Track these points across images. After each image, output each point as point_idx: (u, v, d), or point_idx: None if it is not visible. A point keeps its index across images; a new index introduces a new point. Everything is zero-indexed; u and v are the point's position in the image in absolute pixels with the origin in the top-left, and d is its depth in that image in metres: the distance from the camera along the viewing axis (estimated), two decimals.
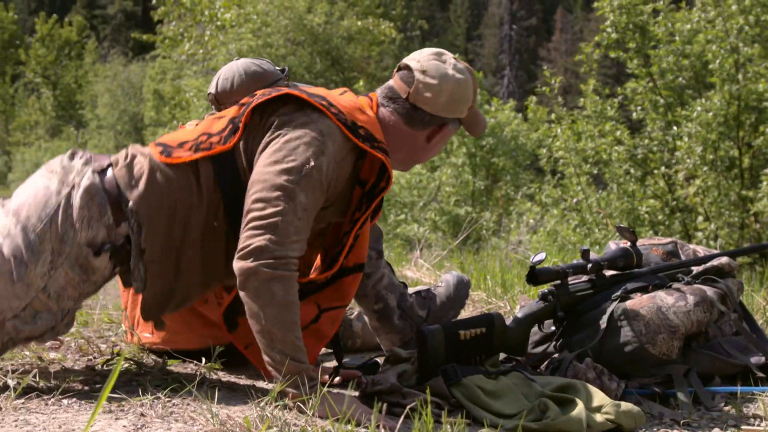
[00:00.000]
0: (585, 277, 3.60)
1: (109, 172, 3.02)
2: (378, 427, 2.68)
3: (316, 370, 3.26)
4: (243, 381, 3.48)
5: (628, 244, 3.64)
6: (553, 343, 3.51)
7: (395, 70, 3.32)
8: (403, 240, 12.80)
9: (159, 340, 3.63)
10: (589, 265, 3.52)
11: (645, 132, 13.44)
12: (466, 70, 3.27)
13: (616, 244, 3.81)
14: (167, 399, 2.82)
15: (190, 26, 23.62)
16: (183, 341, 3.62)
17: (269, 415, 2.64)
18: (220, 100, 3.89)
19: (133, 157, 3.08)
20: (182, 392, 2.89)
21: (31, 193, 2.99)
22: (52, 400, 2.74)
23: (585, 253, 3.56)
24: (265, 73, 3.89)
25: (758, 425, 2.99)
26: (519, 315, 3.45)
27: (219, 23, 21.64)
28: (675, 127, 12.82)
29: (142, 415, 2.67)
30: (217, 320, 3.59)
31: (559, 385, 3.05)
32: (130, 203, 2.97)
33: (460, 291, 4.06)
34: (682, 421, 3.02)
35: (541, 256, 3.41)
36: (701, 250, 3.85)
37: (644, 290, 3.50)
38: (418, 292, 4.01)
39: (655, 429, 2.97)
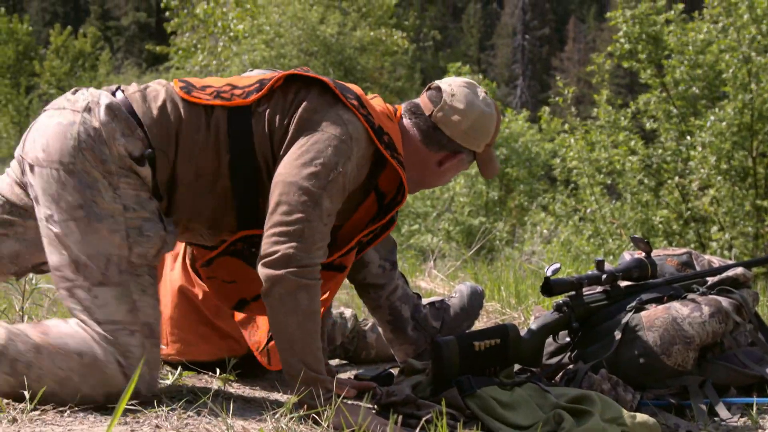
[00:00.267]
0: (600, 288, 3.59)
1: (119, 94, 2.98)
2: None
3: (332, 382, 3.27)
4: (258, 393, 3.48)
5: (643, 254, 3.63)
6: (568, 354, 3.51)
7: (425, 89, 3.35)
8: (416, 250, 12.79)
9: (174, 352, 3.63)
10: (604, 276, 3.51)
11: (658, 142, 13.42)
12: (494, 106, 3.31)
13: (630, 255, 3.80)
14: (182, 411, 2.81)
15: (204, 37, 23.69)
16: (198, 353, 3.62)
17: (285, 427, 2.64)
18: None
19: (148, 86, 3.05)
20: (197, 404, 2.88)
21: (46, 134, 2.91)
22: (68, 412, 2.73)
23: (600, 264, 3.56)
24: None
25: None
26: (533, 326, 3.44)
27: (232, 34, 21.71)
28: (688, 137, 12.79)
29: (157, 427, 2.67)
30: (232, 330, 3.60)
31: (574, 397, 3.05)
32: (144, 125, 2.93)
33: (475, 302, 4.05)
34: None
35: (556, 267, 3.41)
36: (716, 261, 3.84)
37: (659, 301, 3.49)
38: (432, 303, 4.01)
39: None
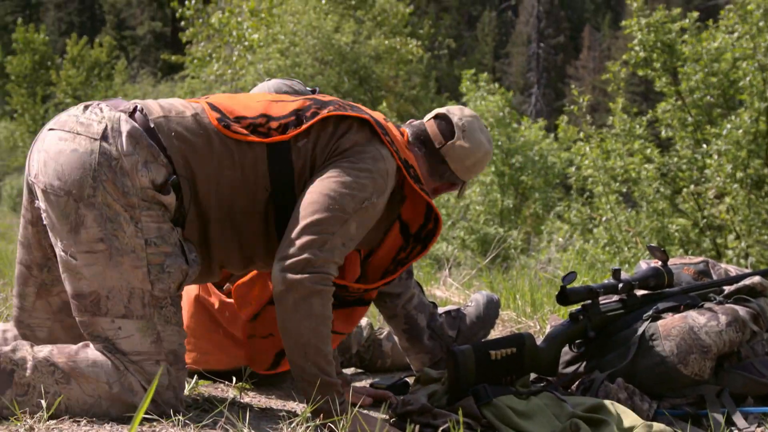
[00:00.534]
0: (616, 297, 3.59)
1: (139, 116, 2.88)
2: None
3: (347, 389, 3.26)
4: (274, 402, 3.48)
5: (659, 263, 3.63)
6: (584, 363, 3.50)
7: (432, 116, 3.41)
8: (431, 259, 12.78)
9: (190, 361, 3.63)
10: (620, 285, 3.51)
11: (674, 150, 13.39)
12: (492, 142, 3.47)
13: (647, 264, 3.79)
14: (198, 420, 2.82)
15: (219, 47, 23.73)
16: (214, 361, 3.62)
17: None
18: None
19: (172, 108, 2.96)
20: (214, 413, 2.89)
21: (60, 161, 2.79)
22: (84, 421, 2.74)
23: (616, 273, 3.55)
24: (296, 94, 3.90)
25: None
26: (550, 335, 3.44)
27: (247, 44, 21.74)
28: (704, 146, 12.75)
29: None
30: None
31: (590, 406, 3.04)
32: (168, 151, 2.86)
33: (490, 311, 4.05)
34: None
35: (572, 276, 3.40)
36: (733, 270, 3.83)
37: (676, 310, 3.48)
38: (447, 312, 4.01)
39: None
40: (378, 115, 3.22)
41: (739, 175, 12.28)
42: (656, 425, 2.89)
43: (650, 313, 3.44)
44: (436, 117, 3.39)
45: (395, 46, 21.47)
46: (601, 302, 3.54)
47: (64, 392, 2.73)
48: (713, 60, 12.84)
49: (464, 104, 16.26)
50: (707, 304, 3.48)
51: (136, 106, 2.91)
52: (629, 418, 2.95)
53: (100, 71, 41.97)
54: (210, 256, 3.03)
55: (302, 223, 2.89)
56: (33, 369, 2.73)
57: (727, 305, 3.45)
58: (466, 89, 16.35)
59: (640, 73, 13.47)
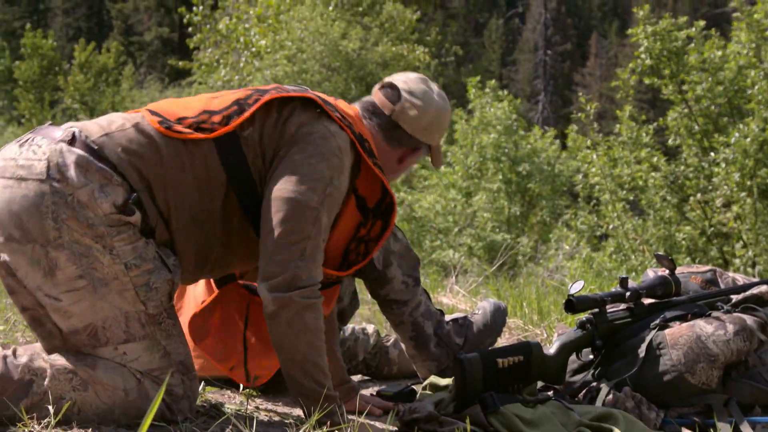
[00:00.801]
0: (623, 306, 3.58)
1: (80, 139, 2.77)
2: None
3: (355, 397, 3.27)
4: (281, 408, 3.48)
5: (667, 272, 3.62)
6: (592, 371, 3.49)
7: (377, 87, 3.33)
8: (438, 266, 12.79)
9: (197, 367, 3.63)
10: (628, 294, 3.51)
11: (681, 158, 13.38)
12: (447, 100, 3.36)
13: (654, 272, 3.79)
14: (205, 427, 2.82)
15: (226, 53, 23.78)
16: (222, 368, 3.62)
17: None
18: None
19: (112, 122, 2.86)
20: (221, 420, 2.89)
21: (12, 210, 2.68)
22: (91, 428, 2.74)
23: (623, 282, 3.55)
24: None
25: None
26: (557, 343, 3.44)
27: (254, 50, 21.79)
28: (712, 154, 12.75)
29: None
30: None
31: (597, 414, 3.04)
32: (120, 169, 2.77)
33: (498, 318, 4.05)
34: None
35: (579, 285, 3.40)
36: (740, 279, 3.82)
37: (683, 319, 3.47)
38: (455, 320, 4.00)
39: None
40: (328, 97, 3.17)
41: (747, 183, 12.27)
42: None
43: (657, 321, 3.44)
44: (382, 86, 3.30)
45: (402, 52, 21.48)
46: (609, 311, 3.53)
47: (79, 399, 2.72)
48: (718, 68, 12.84)
49: (471, 112, 16.27)
50: (715, 313, 3.48)
51: (74, 132, 2.80)
52: (636, 427, 2.95)
53: (108, 77, 42.03)
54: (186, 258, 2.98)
55: (276, 236, 2.85)
56: (51, 377, 2.71)
57: (735, 314, 3.45)
58: (473, 96, 16.36)
59: (647, 81, 13.47)
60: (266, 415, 3.27)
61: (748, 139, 12.08)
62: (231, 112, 2.95)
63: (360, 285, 4.02)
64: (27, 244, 2.68)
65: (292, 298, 2.81)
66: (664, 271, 3.65)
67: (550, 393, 3.34)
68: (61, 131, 2.81)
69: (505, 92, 17.18)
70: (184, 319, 3.36)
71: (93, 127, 2.84)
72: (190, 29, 25.72)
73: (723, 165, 12.38)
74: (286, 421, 3.05)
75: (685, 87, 13.04)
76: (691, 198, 12.88)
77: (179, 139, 2.86)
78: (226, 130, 2.90)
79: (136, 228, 2.78)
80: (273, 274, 2.83)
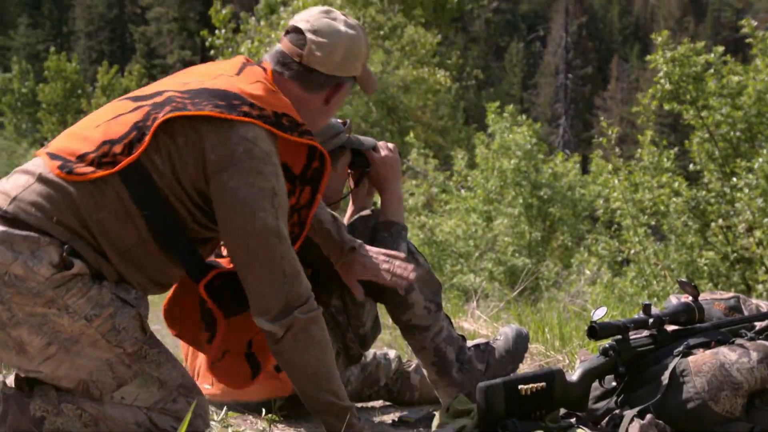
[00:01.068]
0: (646, 332, 3.57)
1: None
2: None
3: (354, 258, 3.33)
4: None
5: (690, 298, 3.61)
6: (614, 398, 3.48)
7: (283, 33, 3.18)
8: (459, 290, 12.76)
9: (219, 392, 3.64)
10: (651, 320, 3.49)
11: (702, 183, 13.35)
12: (357, 26, 3.19)
13: (677, 299, 3.77)
14: None
15: None
16: (244, 393, 3.62)
17: None
18: None
19: (18, 182, 2.78)
20: None
21: None
22: None
23: (646, 308, 3.54)
24: (327, 127, 3.91)
25: None
26: (579, 370, 3.42)
27: None
28: (734, 179, 12.71)
29: None
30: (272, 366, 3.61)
31: None
32: (43, 229, 2.70)
33: (520, 345, 4.04)
34: None
35: (602, 311, 3.39)
36: (764, 305, 3.81)
37: (707, 346, 3.46)
38: (476, 345, 3.99)
39: None
40: (224, 83, 2.95)
41: None
42: None
43: (681, 348, 3.42)
44: (287, 32, 3.15)
45: (423, 76, 21.53)
46: (632, 337, 3.52)
47: None
48: (737, 94, 12.81)
49: (491, 136, 16.28)
50: (738, 341, 3.46)
51: None
52: None
53: None
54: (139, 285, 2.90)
55: (253, 273, 2.81)
56: (61, 413, 2.73)
57: (759, 341, 3.43)
58: (492, 121, 16.38)
59: (667, 107, 13.44)
60: None
61: None
62: (132, 138, 2.79)
63: (381, 310, 4.02)
64: None
65: (294, 317, 2.80)
66: (687, 298, 3.64)
67: (573, 420, 3.33)
68: None
69: (524, 117, 17.17)
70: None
71: (10, 202, 2.73)
72: (212, 52, 25.82)
73: (746, 190, 12.33)
74: None
75: (704, 113, 13.01)
76: (713, 223, 12.83)
77: (86, 181, 2.75)
78: (129, 160, 2.76)
79: (84, 276, 2.73)
80: (267, 309, 2.81)
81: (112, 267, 2.81)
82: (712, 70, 13.09)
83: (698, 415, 3.25)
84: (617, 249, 14.02)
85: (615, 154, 13.91)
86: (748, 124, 12.89)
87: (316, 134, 3.17)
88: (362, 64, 3.21)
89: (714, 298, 3.83)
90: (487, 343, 4.01)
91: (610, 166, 14.09)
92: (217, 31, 25.24)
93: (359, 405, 4.08)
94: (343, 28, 3.11)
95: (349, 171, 4.01)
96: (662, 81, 13.24)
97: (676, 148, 13.75)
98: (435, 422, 3.41)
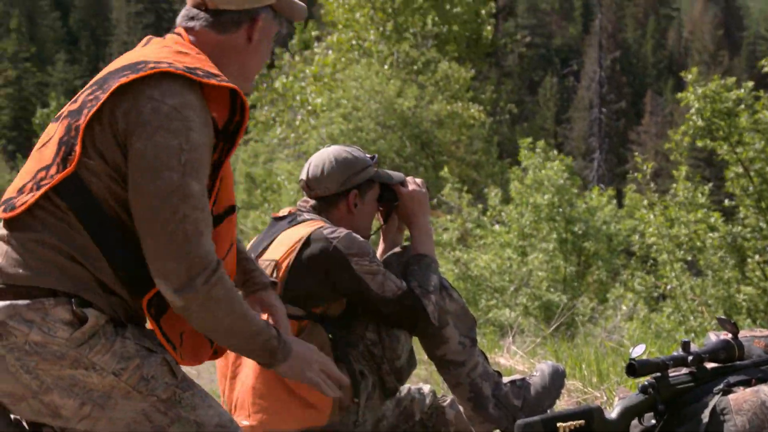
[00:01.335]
0: (686, 370, 3.54)
1: None
2: None
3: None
4: None
5: (729, 336, 3.58)
6: None
7: None
8: (495, 326, 12.72)
9: (256, 423, 3.64)
10: (690, 358, 3.46)
11: (738, 218, 13.27)
12: None
13: (716, 336, 3.74)
14: None
15: (282, 111, 24.05)
16: (280, 422, 3.62)
17: None
18: (311, 186, 3.94)
19: None
20: None
21: None
22: None
23: (685, 345, 3.51)
24: (355, 160, 3.92)
25: None
26: (619, 407, 3.40)
27: (310, 108, 22.00)
28: None
29: None
30: (313, 399, 3.60)
31: None
32: (45, 286, 2.65)
33: (556, 381, 4.02)
34: None
35: (640, 348, 3.37)
36: None
37: (747, 384, 3.42)
38: (512, 381, 3.99)
39: None
40: (128, 58, 2.86)
41: None
42: None
43: (721, 386, 3.39)
44: None
45: (457, 111, 21.57)
46: (671, 375, 3.49)
47: None
48: None
49: (525, 170, 16.26)
50: None
51: None
52: None
53: None
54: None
55: (153, 233, 2.65)
56: None
57: None
58: (524, 157, 16.37)
59: (700, 143, 13.38)
60: None
61: None
62: (62, 155, 2.72)
63: (417, 344, 4.01)
64: (20, 402, 2.67)
65: (196, 290, 2.64)
66: (726, 335, 3.61)
67: None
68: None
69: (555, 152, 17.15)
70: None
71: None
72: None
73: None
74: None
75: (739, 149, 12.95)
76: (749, 259, 12.73)
77: (30, 210, 2.70)
78: (64, 174, 2.68)
79: (104, 328, 2.70)
80: (167, 271, 2.64)
81: (122, 300, 2.78)
82: (742, 106, 13.03)
83: None
84: (653, 284, 13.93)
85: (650, 190, 13.86)
86: None
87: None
88: None
89: (754, 335, 3.80)
90: (524, 379, 4.00)
91: (645, 201, 14.03)
92: None
93: None
94: None
95: (378, 207, 4.04)
96: (694, 118, 13.20)
97: (710, 184, 13.67)
98: None
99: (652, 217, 13.52)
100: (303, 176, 3.98)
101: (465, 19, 26.90)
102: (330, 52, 23.45)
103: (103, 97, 2.70)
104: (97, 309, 2.69)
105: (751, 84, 13.26)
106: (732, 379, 3.44)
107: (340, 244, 3.66)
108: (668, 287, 13.19)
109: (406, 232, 4.06)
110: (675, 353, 3.52)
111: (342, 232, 3.70)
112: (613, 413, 3.37)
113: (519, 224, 15.50)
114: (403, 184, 4.00)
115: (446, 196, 16.59)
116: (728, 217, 13.69)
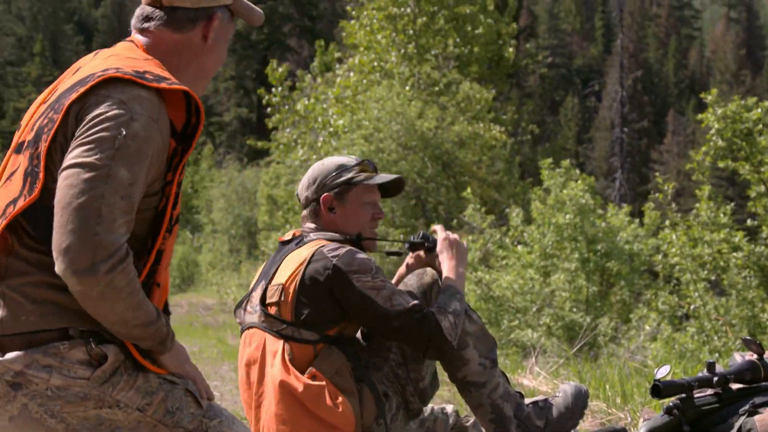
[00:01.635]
0: (711, 391, 3.52)
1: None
2: None
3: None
4: None
5: (755, 356, 3.56)
6: None
7: None
8: (517, 346, 12.69)
9: None
10: (715, 379, 3.44)
11: (761, 238, 13.20)
12: None
13: (741, 357, 3.72)
14: None
15: (304, 132, 24.10)
16: None
17: None
18: (299, 200, 4.07)
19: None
20: None
21: (17, 429, 2.63)
22: None
23: (710, 366, 3.49)
24: (327, 166, 4.07)
25: None
26: (643, 429, 3.38)
27: (332, 129, 22.04)
28: None
29: None
30: (335, 421, 3.60)
31: None
32: (52, 327, 2.62)
33: (579, 401, 4.02)
34: None
35: (665, 369, 3.36)
36: None
37: None
38: (535, 402, 3.99)
39: None
40: (78, 75, 2.81)
41: None
42: None
43: (747, 407, 3.37)
44: None
45: (478, 131, 21.55)
46: (696, 396, 3.47)
47: None
48: None
49: (547, 191, 16.23)
50: None
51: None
52: None
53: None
54: None
55: (65, 205, 2.52)
56: None
57: None
58: (547, 176, 16.33)
59: (721, 164, 13.32)
60: None
61: None
62: (29, 186, 2.67)
63: (439, 366, 4.01)
64: None
65: (97, 277, 2.49)
66: (752, 356, 3.59)
67: None
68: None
69: (578, 171, 17.11)
70: None
71: (2, 323, 2.66)
72: (268, 110, 26.17)
73: None
74: None
75: (762, 168, 12.89)
76: None
77: (11, 251, 2.69)
78: (31, 200, 2.64)
79: (125, 363, 2.70)
80: (69, 248, 2.49)
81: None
82: (761, 126, 12.97)
83: None
84: (677, 304, 13.86)
85: (671, 210, 13.81)
86: None
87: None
88: None
89: None
90: (546, 400, 4.00)
91: (667, 222, 13.98)
92: (273, 89, 25.60)
93: None
94: None
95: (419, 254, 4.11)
96: (714, 138, 13.16)
97: (733, 203, 13.60)
98: None
99: (674, 237, 13.46)
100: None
101: (486, 41, 26.93)
102: (351, 74, 23.49)
103: (58, 118, 2.66)
104: (116, 344, 2.68)
105: (767, 104, 13.22)
106: (758, 399, 3.43)
107: (340, 262, 3.68)
108: (692, 307, 13.12)
109: None
110: (700, 374, 3.51)
111: (342, 249, 3.73)
112: None
113: (541, 244, 15.47)
114: (399, 184, 4.10)
115: (468, 216, 16.57)
116: (752, 237, 13.61)
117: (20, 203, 2.65)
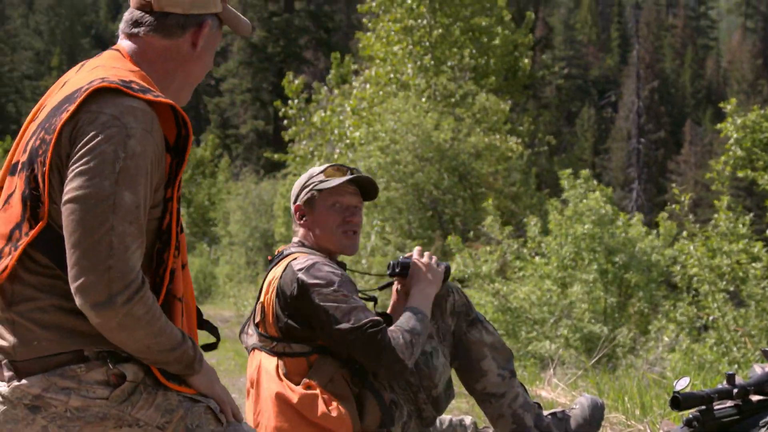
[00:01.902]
0: (731, 402, 3.50)
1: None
2: None
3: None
4: None
5: None
6: None
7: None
8: (535, 358, 12.66)
9: None
10: (735, 390, 3.43)
11: None
12: None
13: (761, 368, 3.70)
14: None
15: (321, 145, 24.15)
16: None
17: None
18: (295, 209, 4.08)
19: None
20: None
21: None
22: None
23: (730, 378, 3.48)
24: (302, 178, 4.13)
25: None
26: None
27: (348, 141, 22.08)
28: None
29: None
30: (335, 429, 3.62)
31: None
32: (66, 349, 2.62)
33: (596, 413, 4.03)
34: None
35: (684, 381, 3.35)
36: None
37: None
38: (553, 414, 4.00)
39: None
40: (65, 90, 2.78)
41: None
42: None
43: (767, 419, 3.36)
44: None
45: (495, 143, 21.55)
46: (716, 407, 3.46)
47: None
48: None
49: (565, 202, 16.21)
50: None
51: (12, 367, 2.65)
52: None
53: (204, 169, 42.95)
54: None
55: (76, 243, 2.52)
56: None
57: None
58: (568, 186, 16.31)
59: (741, 174, 13.29)
60: None
61: None
62: (30, 210, 2.65)
63: (455, 374, 4.01)
64: None
65: (115, 309, 2.50)
66: None
67: None
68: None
69: (596, 182, 17.07)
70: None
71: (15, 349, 2.65)
72: (285, 122, 26.24)
73: None
74: None
75: None
76: None
77: (17, 276, 2.66)
78: (37, 230, 2.63)
79: (144, 381, 2.68)
80: (85, 285, 2.50)
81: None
82: None
83: None
84: (696, 315, 13.81)
85: (689, 221, 13.77)
86: None
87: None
88: (222, 2, 2.96)
89: None
90: (564, 412, 4.02)
91: (684, 233, 13.95)
92: (290, 101, 25.69)
93: None
94: None
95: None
96: (733, 148, 13.13)
97: (751, 213, 13.56)
98: None
99: (692, 248, 13.43)
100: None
101: (502, 52, 26.94)
102: (368, 85, 23.54)
103: (51, 140, 2.62)
104: (134, 362, 2.66)
105: None
106: None
107: (304, 275, 3.72)
108: (710, 318, 13.08)
109: None
110: (719, 386, 3.49)
111: (308, 262, 3.76)
112: None
113: (559, 255, 15.44)
114: (367, 183, 4.08)
115: (487, 227, 16.54)
116: None
117: (25, 228, 2.64)
